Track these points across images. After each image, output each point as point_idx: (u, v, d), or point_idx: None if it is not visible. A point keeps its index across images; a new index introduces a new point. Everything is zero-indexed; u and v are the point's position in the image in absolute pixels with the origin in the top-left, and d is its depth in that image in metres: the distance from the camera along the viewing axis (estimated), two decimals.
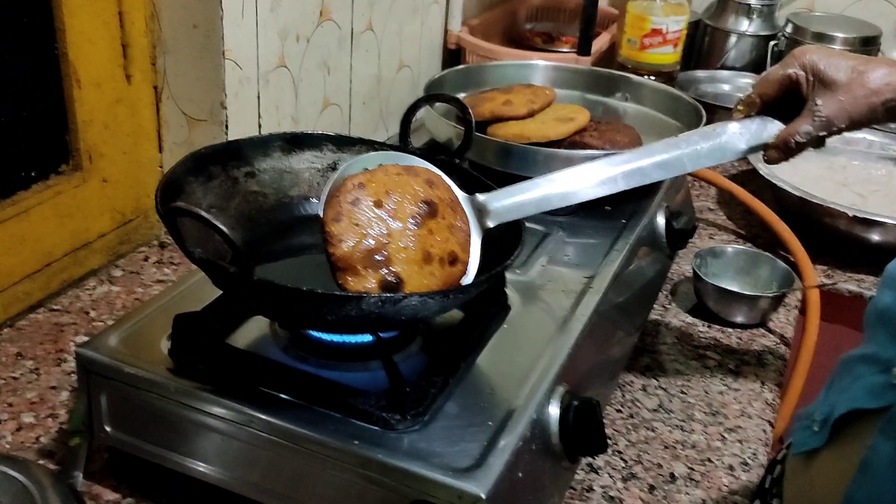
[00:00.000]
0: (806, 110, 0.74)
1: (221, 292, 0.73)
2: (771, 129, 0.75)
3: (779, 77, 0.74)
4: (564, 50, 1.66)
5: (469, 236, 0.69)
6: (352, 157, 0.82)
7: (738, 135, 0.75)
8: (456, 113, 1.06)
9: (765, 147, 0.76)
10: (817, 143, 0.74)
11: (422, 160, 0.72)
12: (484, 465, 0.60)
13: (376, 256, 0.63)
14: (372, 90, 1.33)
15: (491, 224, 0.70)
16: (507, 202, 0.70)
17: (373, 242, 0.63)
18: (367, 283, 0.62)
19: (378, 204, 0.65)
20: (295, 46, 1.10)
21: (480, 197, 0.71)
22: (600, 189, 0.73)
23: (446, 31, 1.53)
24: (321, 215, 0.65)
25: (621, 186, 0.73)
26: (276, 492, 0.66)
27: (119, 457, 0.73)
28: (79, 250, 0.99)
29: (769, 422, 0.88)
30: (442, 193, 0.69)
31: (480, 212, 0.70)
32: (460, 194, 0.71)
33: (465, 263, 0.68)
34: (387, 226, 0.65)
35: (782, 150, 0.74)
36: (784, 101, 0.75)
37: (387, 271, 0.63)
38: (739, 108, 0.77)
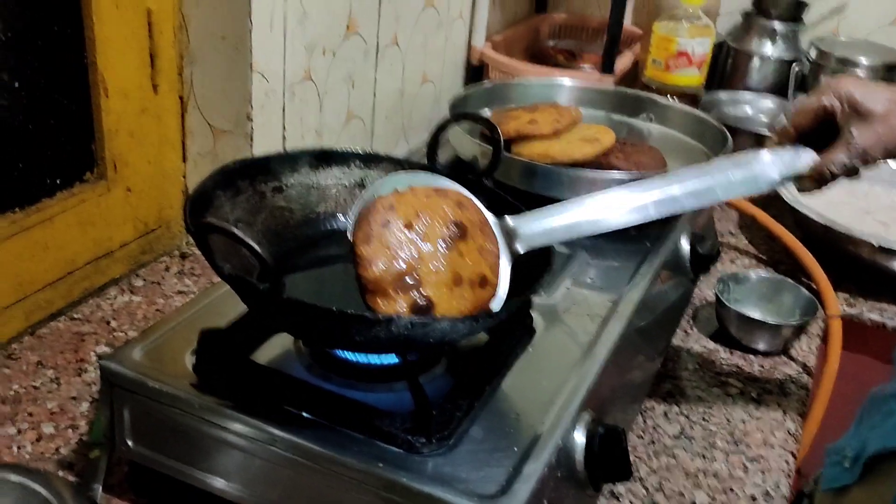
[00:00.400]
0: (841, 140, 0.73)
1: (246, 308, 0.73)
2: (805, 158, 0.75)
3: (813, 107, 0.74)
4: (587, 67, 1.66)
5: (498, 258, 0.69)
6: (379, 175, 0.82)
7: (771, 164, 0.74)
8: (481, 130, 1.06)
9: (798, 177, 0.75)
10: (852, 173, 0.73)
11: (452, 181, 0.72)
12: (510, 493, 0.59)
13: (407, 279, 0.62)
14: (395, 104, 1.33)
15: (521, 250, 0.69)
16: (538, 227, 0.70)
17: (403, 265, 0.63)
18: (397, 305, 0.61)
19: (408, 226, 0.65)
20: (321, 60, 1.10)
21: (510, 221, 0.70)
22: (631, 217, 0.72)
23: (470, 46, 1.53)
24: (350, 237, 0.65)
25: (652, 215, 0.72)
26: None
27: (139, 470, 0.73)
28: (101, 259, 0.99)
29: (792, 452, 0.87)
30: (472, 215, 0.69)
31: (510, 236, 0.70)
32: (490, 217, 0.70)
33: (495, 286, 0.67)
34: (417, 248, 0.64)
35: (816, 181, 0.74)
36: (818, 131, 0.75)
37: (417, 294, 0.62)
38: (773, 137, 0.76)
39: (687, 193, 0.72)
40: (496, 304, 0.67)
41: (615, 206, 0.71)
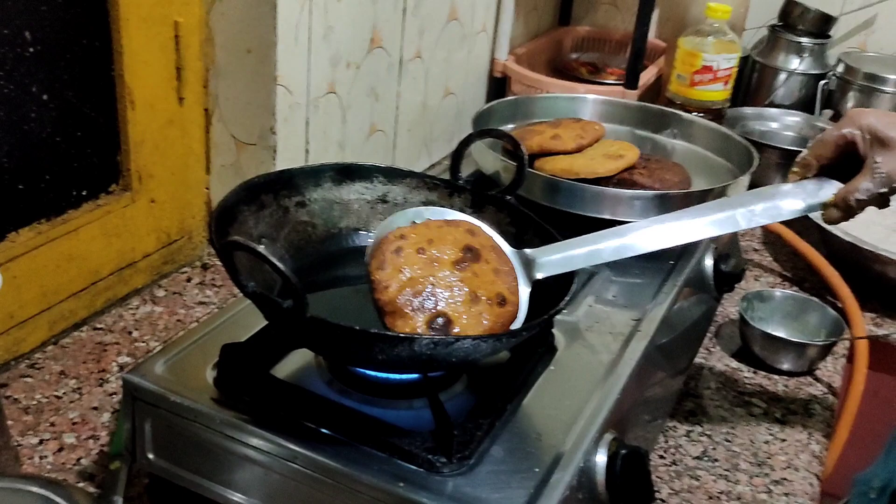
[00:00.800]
0: (865, 168, 0.73)
1: (266, 322, 0.73)
2: (828, 189, 0.74)
3: (834, 137, 0.74)
4: (610, 81, 1.65)
5: (515, 280, 0.69)
6: (401, 190, 0.83)
7: (795, 195, 0.74)
8: (503, 145, 1.06)
9: (823, 206, 0.74)
10: (880, 201, 0.72)
11: (463, 214, 0.74)
12: None
13: (423, 299, 0.63)
14: (417, 117, 1.33)
15: (539, 276, 0.69)
16: (556, 256, 0.70)
17: (418, 286, 0.64)
18: (415, 324, 0.62)
19: (420, 251, 0.67)
20: (345, 73, 1.11)
21: (528, 251, 0.71)
22: (651, 245, 0.72)
23: (493, 59, 1.53)
24: (367, 265, 0.66)
25: (673, 243, 0.72)
26: None
27: (159, 483, 0.73)
28: (124, 269, 1.00)
29: (816, 475, 0.86)
30: (484, 241, 0.71)
31: (528, 265, 0.70)
32: (507, 248, 0.71)
33: (516, 305, 0.67)
34: (431, 271, 0.66)
35: (842, 209, 0.73)
36: (841, 163, 0.74)
37: (434, 312, 0.63)
38: (795, 170, 0.76)
39: (708, 222, 0.72)
40: (516, 325, 0.67)
41: (636, 238, 0.71)
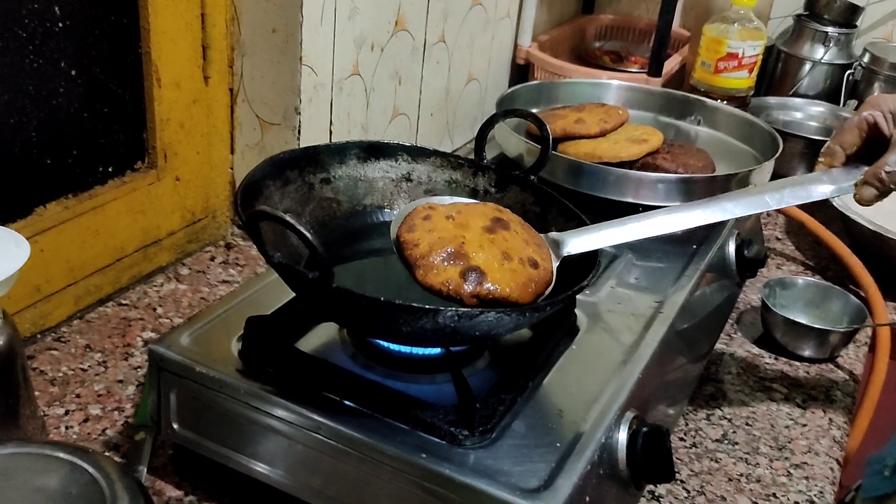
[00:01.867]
0: (892, 144, 0.72)
1: (291, 296, 0.74)
2: (856, 173, 0.74)
3: (857, 122, 0.74)
4: (633, 70, 1.64)
5: (545, 248, 0.69)
6: (425, 169, 0.83)
7: (823, 181, 0.74)
8: (527, 128, 1.06)
9: (855, 186, 0.74)
10: None
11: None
12: (552, 488, 0.59)
13: (454, 254, 0.63)
14: (440, 101, 1.33)
15: (565, 253, 0.70)
16: (581, 237, 0.71)
17: (449, 245, 0.64)
18: (447, 276, 0.62)
19: (449, 218, 0.67)
20: (369, 55, 1.11)
21: (554, 234, 0.71)
22: (678, 225, 0.72)
23: (516, 45, 1.53)
24: (393, 237, 0.67)
25: (699, 222, 0.72)
26: (337, 499, 0.66)
27: (183, 453, 0.74)
28: (149, 247, 1.01)
29: (837, 460, 0.86)
30: (511, 217, 0.71)
31: (555, 244, 0.70)
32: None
33: (549, 271, 0.67)
34: (461, 232, 0.66)
35: (874, 185, 0.72)
36: (866, 150, 0.74)
37: (466, 265, 0.63)
38: (821, 160, 0.76)
39: (735, 203, 0.72)
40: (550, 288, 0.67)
41: (661, 223, 0.72)
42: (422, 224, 0.67)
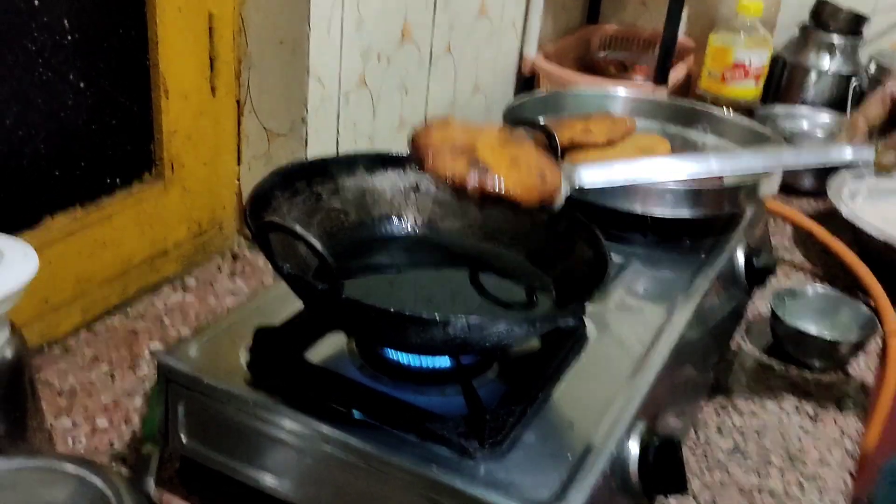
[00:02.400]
0: None
1: (299, 307, 0.74)
2: (876, 145, 0.73)
3: (879, 96, 0.73)
4: (638, 79, 1.65)
5: (559, 169, 0.70)
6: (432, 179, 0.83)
7: (842, 149, 0.73)
8: (535, 137, 1.06)
9: (875, 152, 0.72)
10: None
11: None
12: (563, 500, 0.59)
13: (464, 147, 0.64)
14: (446, 112, 1.33)
15: (578, 185, 0.70)
16: (595, 170, 0.72)
17: (461, 143, 0.65)
18: (455, 165, 0.63)
19: (464, 128, 0.69)
20: (376, 66, 1.11)
21: (568, 164, 0.72)
22: (692, 170, 0.73)
23: (521, 56, 1.53)
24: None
25: (714, 171, 0.73)
26: None
27: (190, 466, 0.74)
28: (156, 258, 1.00)
29: (849, 471, 0.85)
30: (527, 141, 0.72)
31: (569, 173, 0.71)
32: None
33: (556, 187, 0.67)
34: (474, 136, 0.67)
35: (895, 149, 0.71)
36: (887, 123, 0.74)
37: (475, 159, 0.64)
38: (842, 132, 0.75)
39: (752, 158, 0.72)
40: (559, 202, 0.68)
41: (676, 165, 0.72)
42: (438, 126, 0.68)
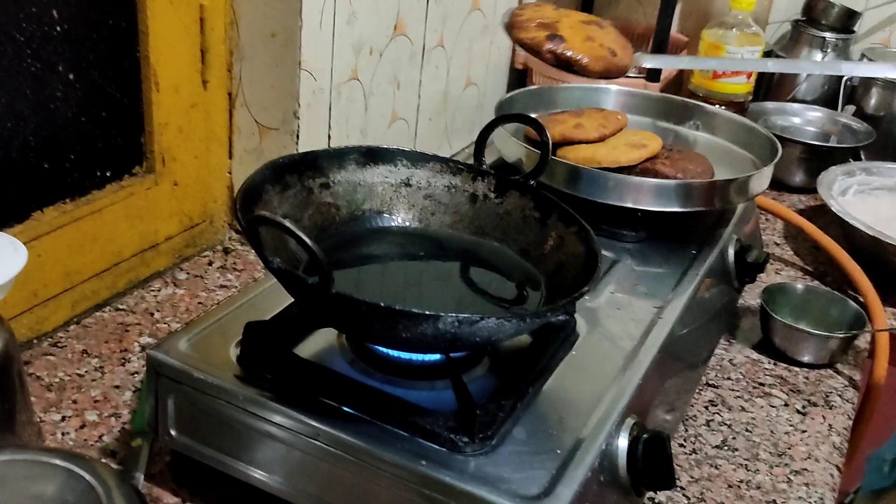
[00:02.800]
0: None
1: (289, 302, 0.73)
2: None
3: None
4: (631, 75, 1.64)
5: (631, 51, 0.87)
6: (425, 174, 0.83)
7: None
8: (525, 132, 1.06)
9: None
10: None
11: None
12: (553, 495, 0.59)
13: (547, 23, 0.81)
14: (439, 106, 1.33)
15: (640, 64, 0.90)
16: (659, 58, 0.86)
17: (545, 21, 0.81)
18: (535, 34, 0.80)
19: (556, 8, 0.85)
20: (368, 59, 1.11)
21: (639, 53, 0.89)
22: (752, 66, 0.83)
23: (514, 50, 1.53)
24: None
25: (777, 69, 0.83)
26: None
27: (180, 460, 0.73)
28: (146, 251, 1.00)
29: (837, 466, 0.86)
30: (612, 27, 0.91)
31: (637, 59, 0.88)
32: None
33: (626, 64, 0.84)
34: (559, 16, 0.84)
35: None
36: None
37: (554, 34, 0.80)
38: None
39: (812, 62, 0.81)
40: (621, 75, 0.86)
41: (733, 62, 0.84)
42: (531, 6, 0.86)
